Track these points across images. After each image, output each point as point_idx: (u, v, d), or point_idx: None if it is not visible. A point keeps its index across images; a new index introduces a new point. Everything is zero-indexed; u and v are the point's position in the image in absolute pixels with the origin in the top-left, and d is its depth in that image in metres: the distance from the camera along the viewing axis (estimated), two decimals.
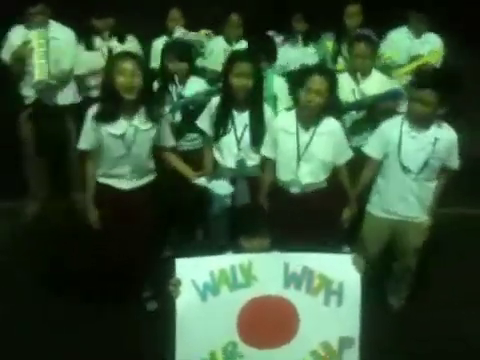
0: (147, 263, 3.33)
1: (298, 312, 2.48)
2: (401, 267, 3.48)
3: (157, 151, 3.28)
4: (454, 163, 3.27)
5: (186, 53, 3.69)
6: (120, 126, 3.06)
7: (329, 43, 4.41)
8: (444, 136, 3.19)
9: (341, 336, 2.50)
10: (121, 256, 3.17)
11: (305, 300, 2.47)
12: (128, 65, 2.95)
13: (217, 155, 3.42)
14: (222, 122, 3.33)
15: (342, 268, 2.48)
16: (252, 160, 3.39)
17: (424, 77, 3.28)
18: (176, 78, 3.61)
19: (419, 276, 3.56)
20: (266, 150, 3.33)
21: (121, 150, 3.08)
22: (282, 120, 3.29)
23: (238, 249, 2.54)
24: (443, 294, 3.62)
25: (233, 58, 3.31)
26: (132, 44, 4.35)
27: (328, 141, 3.20)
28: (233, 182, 3.30)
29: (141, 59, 3.05)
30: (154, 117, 3.12)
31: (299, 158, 3.20)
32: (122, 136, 3.05)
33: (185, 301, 2.39)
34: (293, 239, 2.72)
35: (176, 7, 4.53)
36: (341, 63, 4.30)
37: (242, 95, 3.27)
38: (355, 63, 3.81)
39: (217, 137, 3.36)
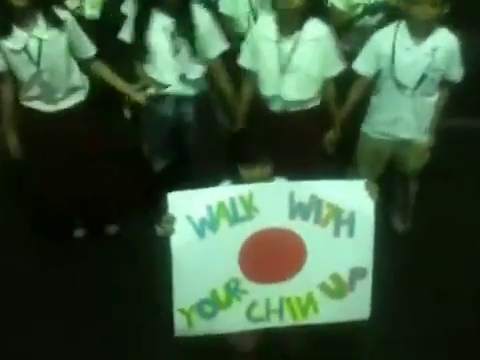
0: (101, 186, 3.13)
1: (305, 244, 2.26)
2: (402, 192, 3.24)
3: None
4: (456, 74, 2.94)
5: None
6: (19, 39, 2.72)
7: None
8: (443, 44, 2.82)
9: (352, 267, 2.30)
10: (63, 181, 3.01)
11: (313, 232, 2.24)
12: None
13: (151, 72, 2.99)
14: (146, 30, 2.89)
15: (353, 195, 2.23)
16: (194, 73, 2.99)
17: None
18: None
19: (423, 197, 3.33)
20: (244, 60, 2.95)
21: (30, 67, 2.75)
22: (261, 26, 2.89)
23: (237, 179, 2.27)
24: (449, 215, 3.41)
25: None
26: None
27: (315, 50, 2.84)
28: (176, 104, 2.99)
29: None
30: (56, 23, 2.76)
31: (282, 70, 2.83)
32: (24, 50, 2.72)
33: (181, 240, 2.16)
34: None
35: None
36: None
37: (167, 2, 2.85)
38: None
39: (147, 49, 2.94)
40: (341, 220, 2.24)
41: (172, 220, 2.14)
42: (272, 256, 2.26)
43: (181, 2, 2.88)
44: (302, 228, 2.23)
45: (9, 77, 2.84)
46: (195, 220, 2.16)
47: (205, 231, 2.17)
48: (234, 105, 3.08)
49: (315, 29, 2.85)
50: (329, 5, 3.32)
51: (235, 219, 2.19)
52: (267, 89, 2.91)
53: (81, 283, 3.07)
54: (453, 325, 2.79)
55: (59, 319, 2.89)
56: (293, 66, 2.83)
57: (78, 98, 2.97)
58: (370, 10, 3.00)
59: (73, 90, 2.93)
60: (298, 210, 2.21)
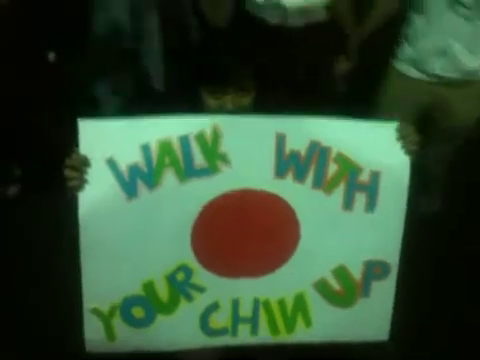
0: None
1: (298, 219, 1.44)
2: (435, 156, 2.42)
3: None
4: None
5: None
6: None
7: None
8: None
9: (369, 259, 1.49)
10: None
11: (311, 199, 1.42)
12: None
13: None
14: None
15: (380, 146, 1.42)
16: None
17: None
18: None
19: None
20: None
21: None
22: None
23: (196, 107, 1.44)
24: None
25: None
26: None
27: None
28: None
29: None
30: None
31: None
32: None
33: (96, 199, 1.33)
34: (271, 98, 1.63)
35: None
36: None
37: None
38: None
39: None
40: (357, 184, 1.42)
41: (83, 164, 1.31)
42: (245, 234, 1.44)
43: None
44: (294, 193, 1.42)
45: None
46: (121, 168, 1.33)
47: (137, 187, 1.34)
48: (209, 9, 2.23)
49: None
50: None
51: (189, 171, 1.36)
52: None
53: None
54: None
55: None
56: None
57: None
58: None
59: None
60: (290, 163, 1.39)
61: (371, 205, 1.44)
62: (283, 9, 2.10)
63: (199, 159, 1.36)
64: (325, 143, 1.39)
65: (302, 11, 2.12)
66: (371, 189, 1.43)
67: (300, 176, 1.40)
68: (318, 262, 1.49)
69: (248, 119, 1.37)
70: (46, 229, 2.13)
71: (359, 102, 2.04)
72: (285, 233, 1.46)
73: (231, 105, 1.42)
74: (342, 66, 2.34)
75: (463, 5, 2.01)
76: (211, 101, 1.42)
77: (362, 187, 1.42)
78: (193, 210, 1.39)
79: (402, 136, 1.41)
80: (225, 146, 1.36)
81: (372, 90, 2.35)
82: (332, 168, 1.41)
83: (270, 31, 2.14)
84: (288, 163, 1.39)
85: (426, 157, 2.38)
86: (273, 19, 2.13)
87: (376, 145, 1.42)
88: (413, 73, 2.24)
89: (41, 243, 2.13)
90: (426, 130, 2.32)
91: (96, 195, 1.33)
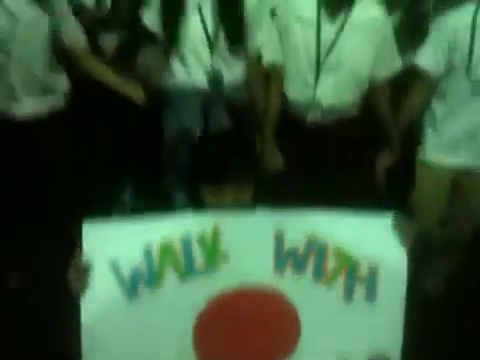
0: None
1: (298, 313, 1.45)
2: (448, 236, 2.41)
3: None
4: None
5: None
6: None
7: None
8: None
9: (371, 352, 1.48)
10: None
11: (311, 293, 1.44)
12: None
13: (176, 66, 2.21)
14: (178, 10, 2.11)
15: (376, 240, 1.45)
16: (232, 70, 2.21)
17: None
18: None
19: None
20: (272, 52, 2.18)
21: None
22: (296, 2, 2.11)
23: (197, 205, 1.48)
24: None
25: None
26: None
27: (366, 39, 2.09)
28: (204, 108, 2.20)
29: None
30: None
31: (319, 65, 2.09)
32: None
33: (98, 301, 1.33)
34: (305, 195, 1.69)
35: None
36: None
37: None
38: None
39: (173, 35, 2.14)
40: (356, 277, 1.44)
41: (86, 269, 1.32)
42: (246, 332, 1.44)
43: None
44: (294, 287, 1.43)
45: None
46: (123, 271, 1.35)
47: (138, 288, 1.35)
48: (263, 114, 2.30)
49: (369, 10, 2.08)
50: None
51: (189, 271, 1.38)
52: (297, 91, 2.17)
53: None
54: None
55: None
56: (334, 60, 2.08)
57: (55, 100, 2.23)
58: None
59: (49, 89, 2.20)
60: (289, 259, 1.42)
61: (371, 297, 1.45)
62: (319, 107, 2.15)
63: (200, 259, 1.38)
64: (322, 238, 1.42)
65: (335, 109, 2.17)
66: (370, 282, 1.45)
67: (299, 270, 1.42)
68: (321, 356, 1.48)
69: (247, 218, 1.41)
70: (46, 327, 2.10)
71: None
72: (286, 327, 1.46)
73: (231, 200, 1.45)
74: (383, 160, 2.35)
75: None
76: (210, 198, 1.46)
77: (361, 280, 1.44)
78: (194, 308, 1.40)
79: (398, 229, 1.44)
80: (225, 244, 1.38)
81: (399, 181, 2.37)
82: (331, 262, 1.43)
83: (305, 127, 2.20)
84: (287, 258, 1.41)
85: (440, 240, 2.39)
86: (308, 116, 2.18)
87: (373, 238, 1.45)
88: (440, 160, 2.24)
89: (41, 341, 2.09)
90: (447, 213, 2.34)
91: (98, 297, 1.33)
